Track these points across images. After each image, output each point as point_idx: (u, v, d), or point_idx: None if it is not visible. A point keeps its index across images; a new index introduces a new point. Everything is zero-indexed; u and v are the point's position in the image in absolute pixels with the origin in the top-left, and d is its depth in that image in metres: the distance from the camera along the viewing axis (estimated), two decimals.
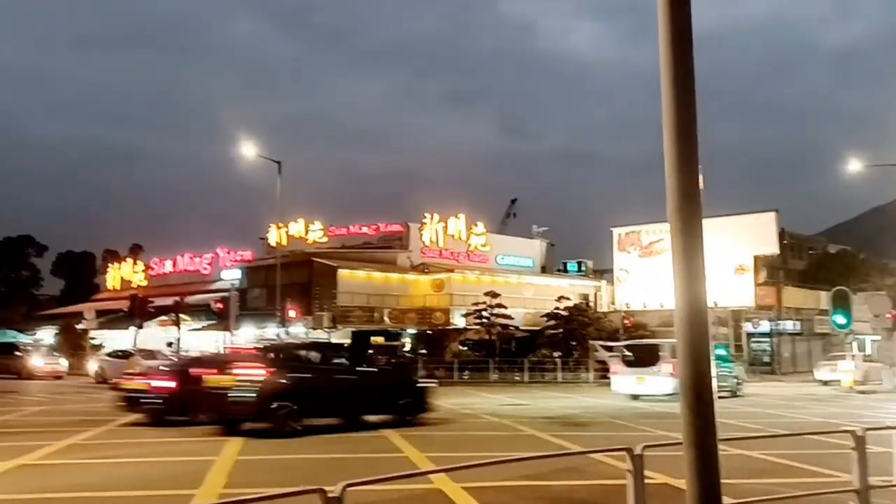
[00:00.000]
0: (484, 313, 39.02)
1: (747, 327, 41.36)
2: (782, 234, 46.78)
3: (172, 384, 16.57)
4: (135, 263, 56.66)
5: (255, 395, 14.40)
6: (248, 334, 42.03)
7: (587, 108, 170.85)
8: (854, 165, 35.24)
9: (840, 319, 28.90)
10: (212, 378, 15.31)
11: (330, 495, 3.59)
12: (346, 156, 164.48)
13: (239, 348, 19.79)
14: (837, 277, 46.86)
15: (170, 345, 42.54)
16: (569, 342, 39.42)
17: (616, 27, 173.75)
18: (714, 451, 2.80)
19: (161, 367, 19.04)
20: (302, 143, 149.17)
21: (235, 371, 14.87)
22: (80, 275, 72.84)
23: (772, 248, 43.33)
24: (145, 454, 12.29)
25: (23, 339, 48.65)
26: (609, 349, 37.77)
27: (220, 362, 16.52)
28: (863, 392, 28.06)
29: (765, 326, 43.35)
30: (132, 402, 17.21)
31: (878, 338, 38.48)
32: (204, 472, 10.12)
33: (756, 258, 42.89)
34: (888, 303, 32.16)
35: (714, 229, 45.76)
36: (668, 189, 2.78)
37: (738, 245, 42.41)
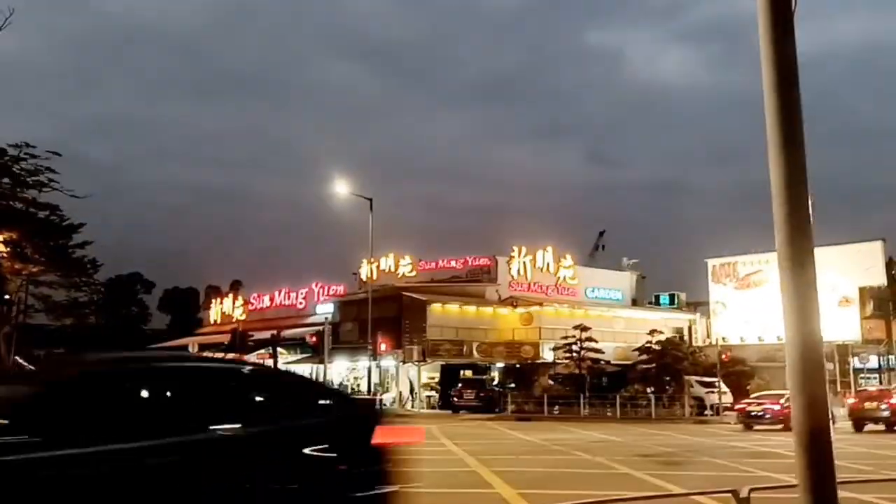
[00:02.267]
0: (574, 347, 38.61)
1: (855, 363, 39.20)
2: (890, 264, 44.32)
3: (777, 407, 27.25)
4: (235, 299, 59.12)
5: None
6: (340, 367, 43.10)
7: (676, 136, 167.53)
8: None
9: None
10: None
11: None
12: (434, 190, 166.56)
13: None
14: None
15: None
16: (662, 377, 38.41)
17: (704, 52, 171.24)
18: (833, 496, 2.70)
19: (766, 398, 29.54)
20: (391, 180, 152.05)
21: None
22: (185, 310, 76.58)
23: (878, 278, 41.28)
24: None
25: None
26: (706, 385, 36.62)
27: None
28: None
29: (873, 362, 40.98)
30: (751, 417, 28.43)
31: None
32: None
33: (861, 290, 40.92)
34: None
35: (816, 259, 43.92)
36: (776, 223, 2.74)
37: (842, 276, 40.54)
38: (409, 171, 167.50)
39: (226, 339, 39.11)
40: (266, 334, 46.20)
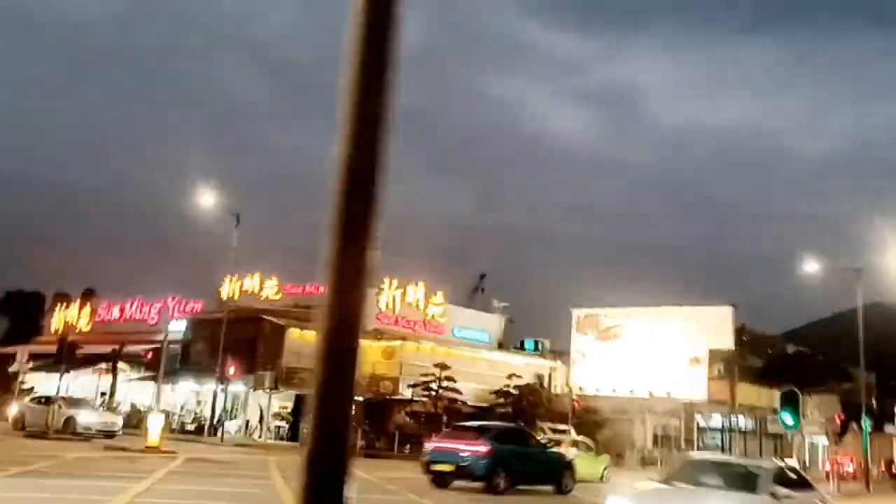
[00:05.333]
0: (432, 385, 37.91)
1: (699, 420, 40.62)
2: (741, 331, 46.51)
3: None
4: (82, 308, 54.81)
5: None
6: (186, 389, 40.44)
7: (556, 190, 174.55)
8: (812, 267, 35.65)
9: (788, 419, 28.26)
10: None
11: None
12: (317, 215, 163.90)
13: None
14: (794, 378, 46.44)
15: (103, 395, 40.77)
16: (517, 422, 38.23)
17: (595, 115, 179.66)
18: None
19: None
20: (274, 200, 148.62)
21: None
22: (27, 316, 70.41)
23: (727, 342, 43.14)
24: None
25: None
26: (559, 432, 36.72)
27: None
28: None
29: (717, 421, 42.66)
30: None
31: (830, 440, 37.96)
32: None
33: (711, 351, 42.64)
34: (838, 406, 31.75)
35: (669, 318, 45.66)
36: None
37: (694, 336, 42.28)
38: (293, 194, 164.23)
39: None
40: (111, 348, 43.01)
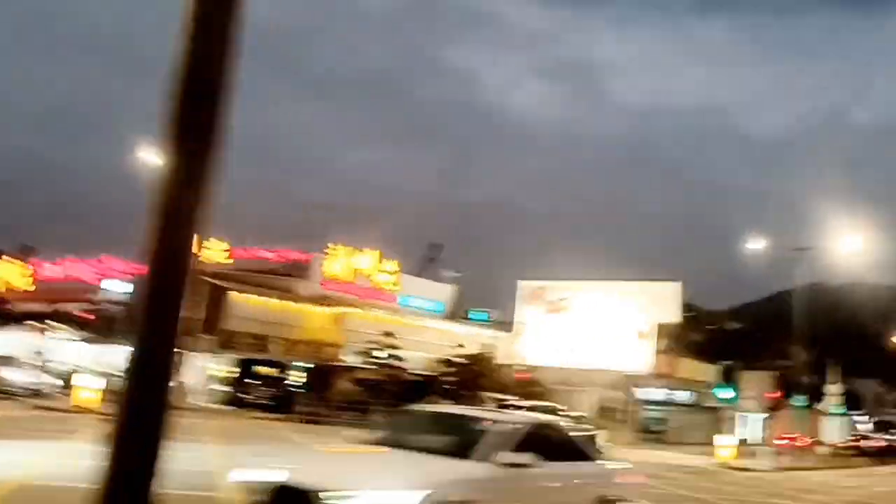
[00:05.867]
0: (377, 352, 37.81)
1: (637, 393, 41.37)
2: (687, 307, 47.38)
3: None
4: (19, 264, 52.99)
5: None
6: (127, 350, 39.53)
7: (523, 163, 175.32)
8: (757, 246, 36.26)
9: (724, 394, 29.06)
10: None
11: None
12: (278, 181, 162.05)
13: None
14: (734, 354, 47.67)
15: (39, 353, 39.62)
16: (461, 391, 38.45)
17: (557, 89, 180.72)
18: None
19: None
20: (236, 165, 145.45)
21: None
22: None
23: (674, 317, 43.88)
24: None
25: None
26: (500, 402, 36.96)
27: None
28: (741, 469, 27.94)
29: (658, 395, 43.55)
30: None
31: (765, 415, 39.14)
32: None
33: (658, 326, 43.33)
34: (773, 382, 32.63)
35: (620, 293, 46.21)
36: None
37: (642, 311, 42.94)
38: (259, 158, 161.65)
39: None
40: (49, 307, 41.80)
